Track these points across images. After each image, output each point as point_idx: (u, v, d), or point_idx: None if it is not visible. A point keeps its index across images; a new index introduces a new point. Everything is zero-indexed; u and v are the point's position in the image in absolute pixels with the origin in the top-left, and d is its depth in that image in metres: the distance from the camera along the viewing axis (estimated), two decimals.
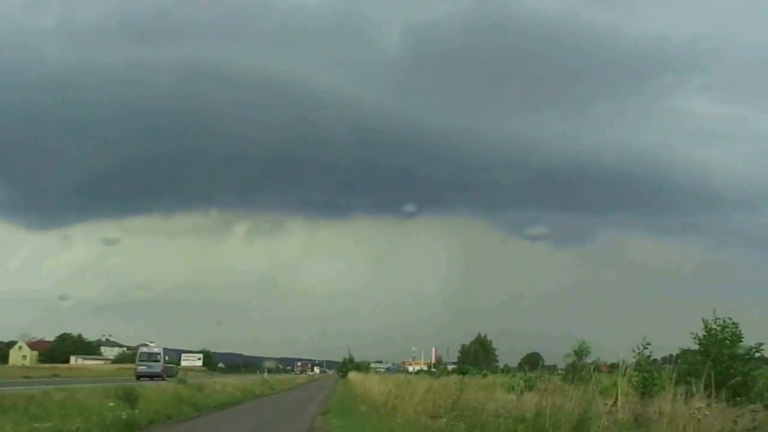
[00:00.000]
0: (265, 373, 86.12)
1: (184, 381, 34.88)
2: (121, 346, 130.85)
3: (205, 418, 22.29)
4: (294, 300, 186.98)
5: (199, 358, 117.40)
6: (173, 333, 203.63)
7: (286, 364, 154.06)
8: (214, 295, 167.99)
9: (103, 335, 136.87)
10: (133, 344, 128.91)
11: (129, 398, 19.67)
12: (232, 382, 43.61)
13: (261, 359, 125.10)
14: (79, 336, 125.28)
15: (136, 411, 18.13)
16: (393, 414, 18.28)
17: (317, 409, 27.67)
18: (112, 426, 15.42)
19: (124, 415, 16.59)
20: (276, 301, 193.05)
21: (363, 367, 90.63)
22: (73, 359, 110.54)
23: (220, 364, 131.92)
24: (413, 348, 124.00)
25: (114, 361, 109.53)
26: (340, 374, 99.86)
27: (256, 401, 34.66)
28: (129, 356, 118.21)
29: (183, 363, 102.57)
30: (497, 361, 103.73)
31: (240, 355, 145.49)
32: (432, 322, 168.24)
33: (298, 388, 58.56)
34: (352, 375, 67.00)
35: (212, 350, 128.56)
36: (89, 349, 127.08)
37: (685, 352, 17.62)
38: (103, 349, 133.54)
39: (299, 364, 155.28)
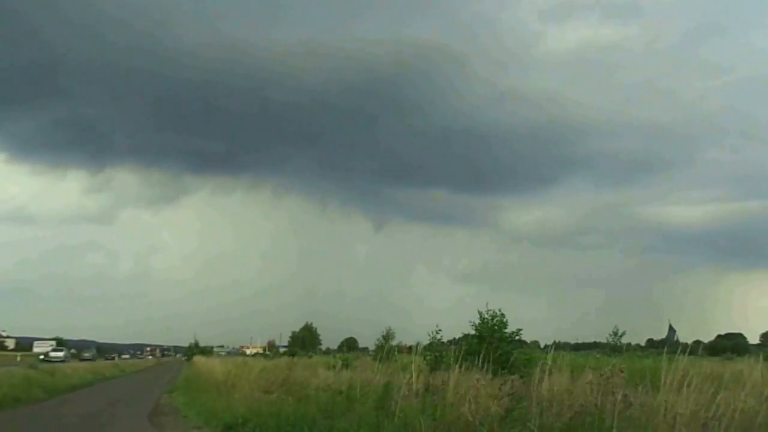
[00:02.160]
0: (116, 358, 79.64)
1: (35, 366, 31.16)
2: None
3: (55, 399, 20.05)
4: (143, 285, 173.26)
5: (52, 345, 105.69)
6: (25, 320, 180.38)
7: (137, 349, 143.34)
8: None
9: None
10: None
11: None
12: (84, 366, 39.75)
13: (114, 345, 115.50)
14: None
15: None
16: (232, 391, 17.61)
17: (164, 388, 26.03)
18: None
19: None
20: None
21: (207, 351, 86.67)
22: None
23: (72, 350, 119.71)
24: (250, 336, 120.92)
25: None
26: (186, 358, 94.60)
27: (107, 383, 31.84)
28: None
29: (35, 349, 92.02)
30: (321, 345, 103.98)
31: (93, 341, 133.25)
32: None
33: (147, 371, 54.67)
34: (197, 358, 63.71)
35: (66, 337, 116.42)
36: None
37: (465, 336, 18.63)
38: None
39: (148, 348, 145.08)
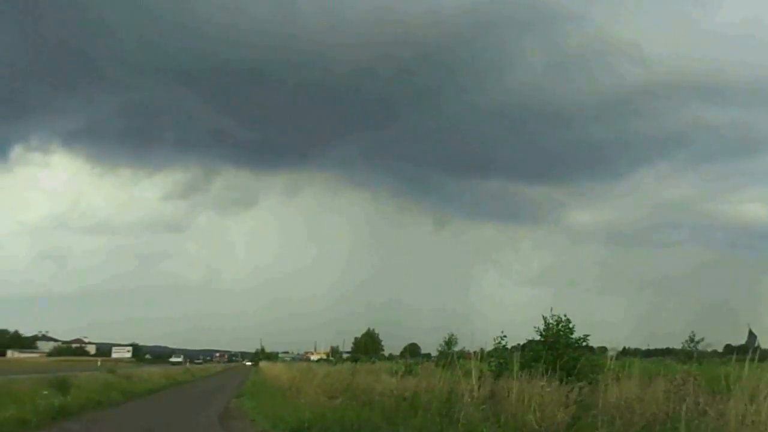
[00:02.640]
0: (187, 363, 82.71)
1: (113, 371, 32.83)
2: (56, 340, 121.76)
3: (132, 402, 21.06)
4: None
5: (129, 351, 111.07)
6: (104, 327, 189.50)
7: (206, 355, 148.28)
8: None
9: (39, 331, 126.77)
10: (67, 339, 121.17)
11: (62, 387, 18.29)
12: (158, 371, 41.49)
13: (184, 351, 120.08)
14: (16, 332, 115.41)
15: (68, 398, 16.87)
16: (297, 396, 17.97)
17: (232, 392, 26.82)
18: (45, 412, 14.26)
19: (56, 402, 15.39)
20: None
21: (272, 357, 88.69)
22: (9, 353, 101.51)
23: (147, 356, 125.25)
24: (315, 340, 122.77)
25: (49, 355, 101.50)
26: (252, 363, 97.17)
27: (179, 387, 33.13)
28: (64, 350, 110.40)
29: (114, 355, 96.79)
30: (383, 351, 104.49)
31: (166, 347, 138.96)
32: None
33: (216, 376, 56.41)
34: (263, 364, 65.36)
35: (140, 343, 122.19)
36: (25, 343, 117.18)
37: (530, 342, 18.29)
38: (39, 343, 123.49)
39: (217, 354, 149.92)
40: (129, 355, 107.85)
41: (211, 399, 24.16)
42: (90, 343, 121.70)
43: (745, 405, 7.12)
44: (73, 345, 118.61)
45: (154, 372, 38.16)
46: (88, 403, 17.80)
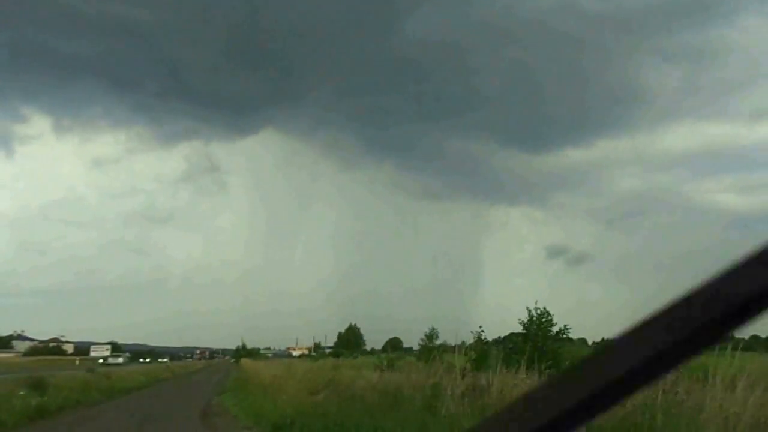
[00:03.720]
0: (167, 360, 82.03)
1: (92, 369, 32.41)
2: (32, 340, 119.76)
3: (112, 401, 20.81)
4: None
5: (108, 349, 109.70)
6: (82, 325, 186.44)
7: (187, 352, 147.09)
8: None
9: (15, 331, 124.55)
10: (44, 338, 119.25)
11: (39, 387, 18.01)
12: (137, 369, 41.07)
13: (165, 348, 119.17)
14: None
15: (46, 398, 16.61)
16: (279, 392, 17.91)
17: (214, 389, 26.65)
18: (22, 412, 14.04)
19: (33, 402, 15.16)
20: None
21: (254, 353, 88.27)
22: None
23: (127, 354, 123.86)
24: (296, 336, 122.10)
25: (25, 354, 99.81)
26: (233, 360, 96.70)
27: (160, 385, 32.83)
28: (40, 349, 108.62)
29: (92, 353, 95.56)
30: (365, 345, 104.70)
31: (145, 345, 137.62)
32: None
33: (197, 373, 56.02)
34: (244, 360, 65.02)
35: (120, 341, 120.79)
36: (1, 343, 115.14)
37: (511, 335, 18.47)
38: (14, 343, 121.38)
39: (198, 351, 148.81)
40: (108, 353, 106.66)
41: (193, 396, 23.98)
42: (67, 342, 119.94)
43: (723, 394, 7.27)
44: (51, 344, 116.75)
45: (133, 370, 37.78)
46: (66, 402, 17.55)
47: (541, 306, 17.55)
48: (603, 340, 16.40)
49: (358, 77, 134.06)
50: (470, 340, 17.92)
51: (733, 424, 6.91)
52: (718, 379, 7.45)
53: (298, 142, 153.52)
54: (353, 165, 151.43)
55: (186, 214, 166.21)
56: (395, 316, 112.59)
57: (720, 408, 7.15)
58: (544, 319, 17.22)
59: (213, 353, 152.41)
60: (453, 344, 20.74)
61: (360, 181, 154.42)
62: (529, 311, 17.56)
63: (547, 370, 12.67)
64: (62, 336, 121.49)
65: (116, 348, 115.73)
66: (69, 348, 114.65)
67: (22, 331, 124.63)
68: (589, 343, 27.58)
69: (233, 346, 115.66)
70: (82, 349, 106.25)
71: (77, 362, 60.07)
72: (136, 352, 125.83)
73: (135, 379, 31.79)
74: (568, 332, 17.95)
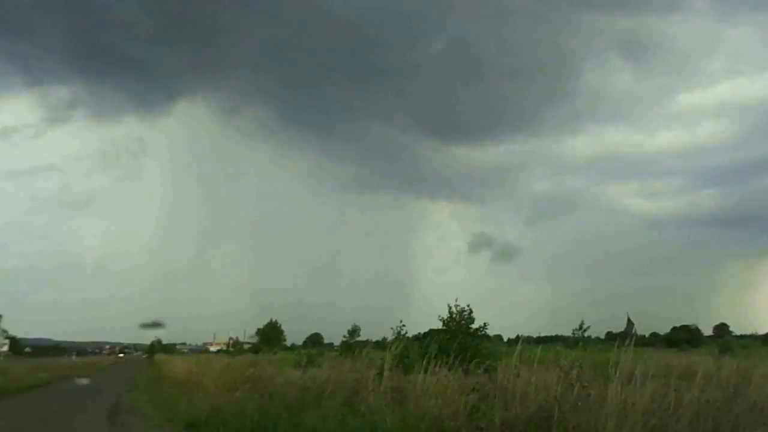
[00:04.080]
0: (74, 356, 77.65)
1: None
2: None
3: (6, 400, 19.43)
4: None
5: (5, 344, 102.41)
6: None
7: (95, 348, 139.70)
8: None
9: None
10: None
11: None
12: (38, 365, 38.67)
13: (71, 343, 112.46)
14: None
15: None
16: (195, 389, 17.38)
17: (124, 386, 25.49)
18: None
19: None
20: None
21: (169, 349, 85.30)
22: None
23: (27, 349, 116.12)
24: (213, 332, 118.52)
25: None
26: (146, 356, 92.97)
27: (64, 383, 30.98)
28: None
29: None
30: (285, 341, 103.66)
31: (48, 339, 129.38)
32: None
33: (106, 369, 53.36)
34: (158, 356, 62.66)
35: (20, 335, 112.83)
36: None
37: (431, 331, 18.78)
38: None
39: (108, 347, 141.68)
40: (5, 348, 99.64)
41: (101, 394, 22.83)
42: None
43: (621, 388, 7.77)
44: None
45: (33, 366, 35.52)
46: None
47: (461, 302, 17.97)
48: (518, 337, 17.05)
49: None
50: (391, 336, 18.14)
51: (629, 412, 7.41)
52: (618, 372, 7.98)
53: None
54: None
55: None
56: (316, 312, 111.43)
57: (623, 402, 7.61)
58: (465, 316, 17.63)
59: (124, 348, 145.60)
60: (375, 340, 20.97)
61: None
62: (450, 307, 17.91)
63: (467, 365, 13.03)
64: None
65: (14, 342, 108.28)
66: None
67: None
68: (505, 339, 28.55)
69: (146, 342, 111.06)
70: None
71: None
72: (39, 347, 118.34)
73: (36, 376, 29.85)
74: (486, 329, 18.46)
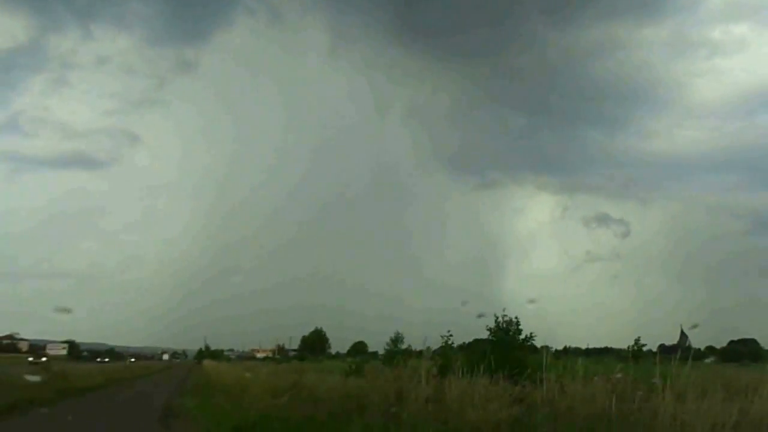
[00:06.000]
0: (129, 360, 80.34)
1: (48, 368, 31.48)
2: None
3: (67, 400, 20.22)
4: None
5: (64, 348, 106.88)
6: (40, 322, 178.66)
7: (148, 352, 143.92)
8: None
9: None
10: None
11: None
12: (95, 368, 40.11)
13: (125, 348, 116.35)
14: None
15: None
16: (242, 394, 17.69)
17: (175, 391, 26.17)
18: None
19: None
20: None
21: (217, 355, 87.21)
22: None
23: (85, 353, 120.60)
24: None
25: None
26: (196, 361, 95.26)
27: (119, 386, 32.06)
28: None
29: (49, 352, 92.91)
30: (330, 349, 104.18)
31: (104, 344, 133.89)
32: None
33: (158, 374, 54.95)
34: (207, 362, 64.09)
35: (78, 340, 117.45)
36: None
37: (476, 341, 18.55)
38: None
39: (160, 352, 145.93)
40: (65, 352, 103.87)
41: (152, 398, 23.50)
42: (22, 339, 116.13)
43: (674, 403, 7.48)
44: (4, 341, 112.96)
45: (91, 369, 36.84)
46: (18, 402, 16.99)
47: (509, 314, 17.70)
48: (566, 348, 16.68)
49: None
50: (436, 345, 18.01)
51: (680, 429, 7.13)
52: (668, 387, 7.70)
53: None
54: None
55: None
56: (361, 320, 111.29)
57: (672, 418, 7.34)
58: (512, 328, 17.36)
59: (175, 354, 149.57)
60: (419, 349, 20.86)
61: None
62: (496, 318, 17.69)
63: (513, 377, 12.82)
64: (16, 333, 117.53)
65: (73, 347, 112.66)
66: (24, 346, 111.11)
67: None
68: (552, 350, 27.92)
69: (195, 347, 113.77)
70: (39, 347, 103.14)
71: (31, 359, 58.54)
72: (95, 352, 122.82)
73: (92, 379, 30.97)
74: (534, 340, 18.12)
